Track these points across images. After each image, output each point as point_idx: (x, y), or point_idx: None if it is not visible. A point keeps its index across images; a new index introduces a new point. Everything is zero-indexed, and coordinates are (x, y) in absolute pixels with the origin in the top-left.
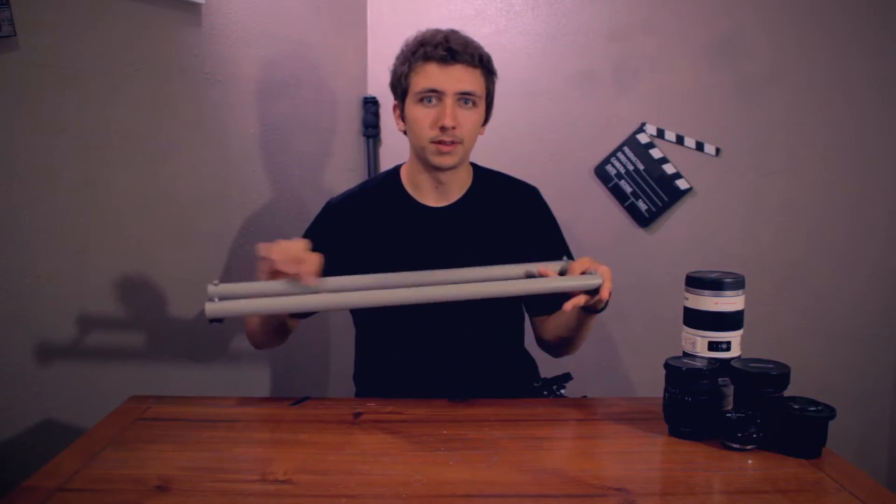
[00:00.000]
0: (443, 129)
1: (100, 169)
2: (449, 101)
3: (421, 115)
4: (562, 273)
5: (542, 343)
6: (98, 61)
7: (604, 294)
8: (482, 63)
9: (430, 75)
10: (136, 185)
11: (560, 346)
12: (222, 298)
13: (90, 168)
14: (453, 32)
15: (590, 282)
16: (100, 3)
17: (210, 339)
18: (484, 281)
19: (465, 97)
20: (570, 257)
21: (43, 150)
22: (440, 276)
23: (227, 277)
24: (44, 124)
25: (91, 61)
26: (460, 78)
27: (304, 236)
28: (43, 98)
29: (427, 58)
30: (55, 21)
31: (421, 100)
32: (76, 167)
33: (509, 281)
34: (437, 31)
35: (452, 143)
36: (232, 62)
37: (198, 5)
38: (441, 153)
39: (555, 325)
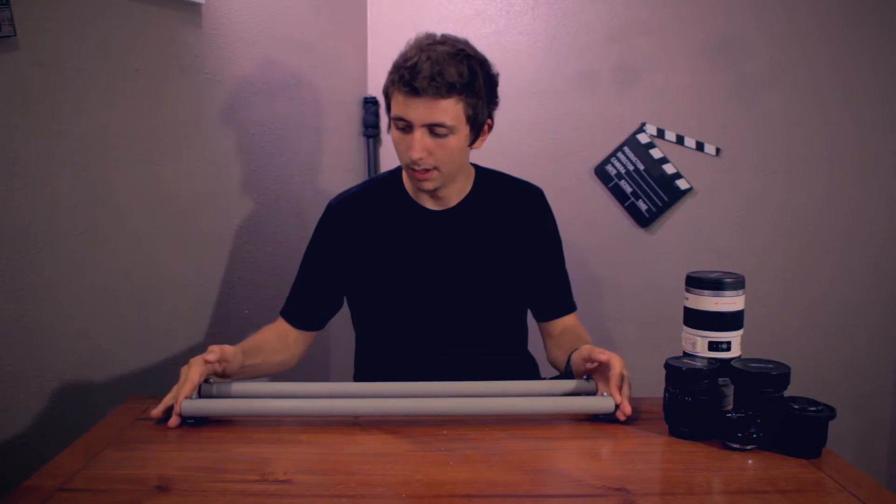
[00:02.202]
0: (411, 159)
1: (100, 169)
2: (417, 133)
3: (397, 139)
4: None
5: (551, 359)
6: (98, 61)
7: (624, 409)
8: (456, 89)
9: (400, 104)
10: (136, 185)
11: None
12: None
13: (90, 168)
14: (427, 59)
15: (602, 406)
16: (100, 3)
17: (210, 339)
18: (493, 395)
19: (435, 128)
20: (564, 273)
21: (43, 150)
22: (448, 390)
23: (227, 278)
24: (44, 124)
25: (91, 61)
26: (425, 112)
27: (310, 244)
28: (43, 98)
29: (394, 85)
30: (55, 21)
31: (396, 126)
32: (76, 167)
33: (522, 398)
34: (413, 54)
35: (426, 170)
36: (232, 62)
37: (198, 5)
38: (418, 179)
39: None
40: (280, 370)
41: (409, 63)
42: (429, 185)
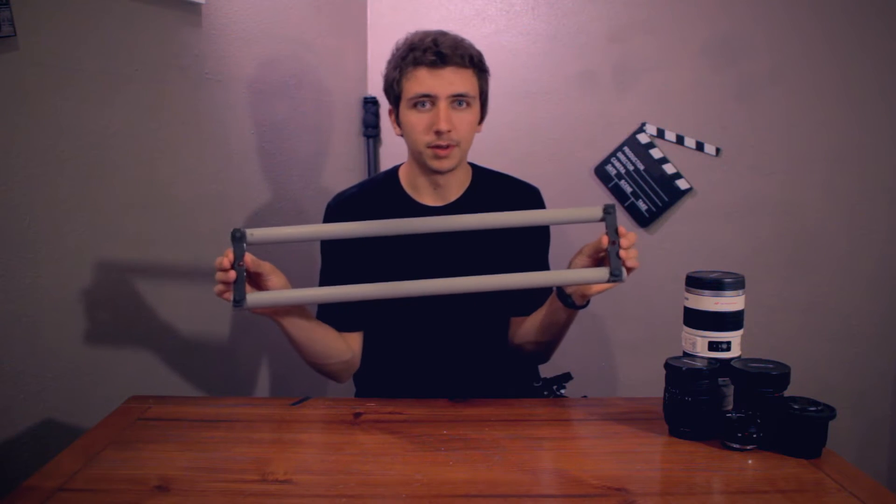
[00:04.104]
0: (438, 133)
1: (100, 169)
2: (442, 104)
3: (415, 120)
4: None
5: (517, 349)
6: (98, 61)
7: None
8: (473, 63)
9: (422, 80)
10: (136, 185)
11: (534, 354)
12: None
13: (90, 168)
14: (442, 34)
15: (595, 276)
16: (100, 3)
17: (210, 339)
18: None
19: (458, 99)
20: (547, 264)
21: (43, 150)
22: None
23: None
24: (44, 124)
25: (91, 61)
26: (451, 81)
27: (321, 248)
28: (43, 98)
29: (417, 63)
30: (55, 21)
31: (414, 105)
32: (76, 167)
33: (516, 274)
34: (426, 34)
35: (448, 146)
36: (232, 62)
37: (198, 5)
38: (438, 157)
39: (531, 328)
40: (343, 362)
41: (427, 40)
42: (448, 164)
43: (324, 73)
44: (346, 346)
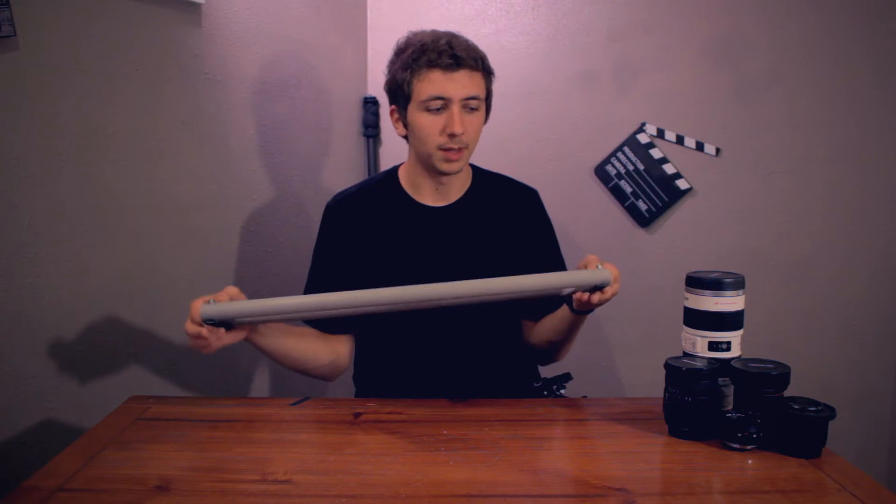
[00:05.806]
0: (451, 136)
1: (100, 169)
2: (455, 107)
3: (427, 122)
4: None
5: (530, 348)
6: (98, 61)
7: (608, 292)
8: (482, 65)
9: (436, 83)
10: (136, 185)
11: (548, 352)
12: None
13: (90, 168)
14: (454, 36)
15: (599, 276)
16: (100, 3)
17: None
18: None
19: (469, 102)
20: (562, 264)
21: (43, 150)
22: (446, 288)
23: (227, 278)
24: (44, 124)
25: (91, 61)
26: (465, 84)
27: (315, 247)
28: (43, 98)
29: (431, 65)
30: (55, 21)
31: (427, 107)
32: (76, 167)
33: (519, 276)
34: (438, 36)
35: (460, 149)
36: (232, 62)
37: (198, 5)
38: (449, 160)
39: (545, 329)
40: (323, 366)
41: (441, 42)
42: (457, 166)
43: (324, 73)
44: (328, 350)
